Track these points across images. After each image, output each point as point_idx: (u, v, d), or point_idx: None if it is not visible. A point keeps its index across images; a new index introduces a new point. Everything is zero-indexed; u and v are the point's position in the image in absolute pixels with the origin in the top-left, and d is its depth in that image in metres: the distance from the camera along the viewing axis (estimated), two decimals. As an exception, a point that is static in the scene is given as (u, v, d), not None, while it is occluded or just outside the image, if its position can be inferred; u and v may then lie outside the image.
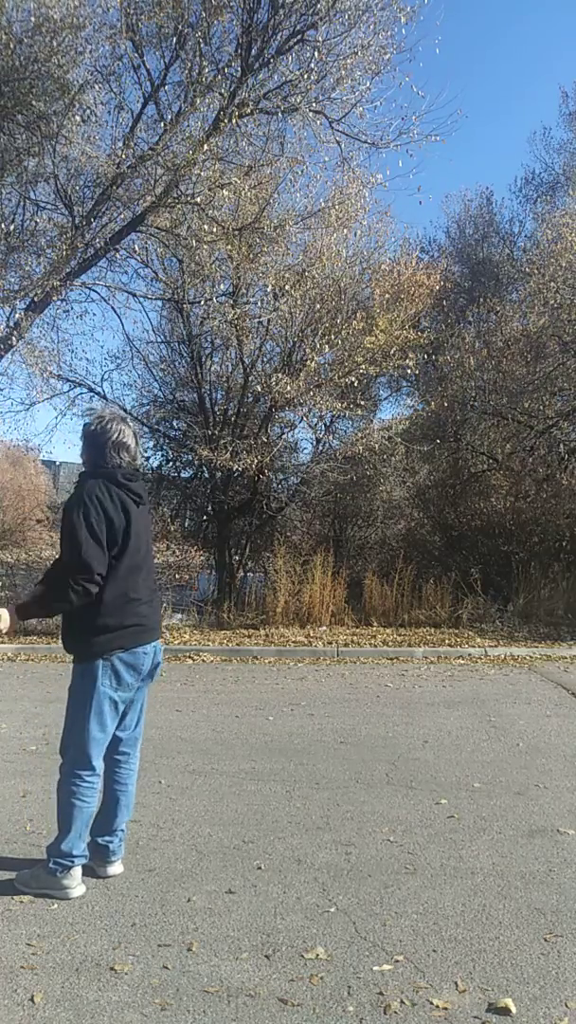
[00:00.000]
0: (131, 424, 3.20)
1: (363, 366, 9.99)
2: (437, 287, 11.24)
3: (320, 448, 12.30)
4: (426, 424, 12.55)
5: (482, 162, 46.37)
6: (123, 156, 8.31)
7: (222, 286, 10.11)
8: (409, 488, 13.20)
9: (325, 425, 12.34)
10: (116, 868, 3.19)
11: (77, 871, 3.01)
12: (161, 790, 4.18)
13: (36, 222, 9.00)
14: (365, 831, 3.67)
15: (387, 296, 10.34)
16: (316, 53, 8.37)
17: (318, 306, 10.17)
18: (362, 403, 10.65)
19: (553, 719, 5.86)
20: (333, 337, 9.92)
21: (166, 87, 8.70)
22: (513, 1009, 2.32)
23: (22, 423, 41.10)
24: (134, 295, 10.48)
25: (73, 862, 2.99)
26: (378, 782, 4.38)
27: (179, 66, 8.51)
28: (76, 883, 3.00)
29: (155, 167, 8.36)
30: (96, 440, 3.08)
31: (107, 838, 3.15)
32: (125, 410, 11.73)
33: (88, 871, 3.11)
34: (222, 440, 10.39)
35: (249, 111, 8.40)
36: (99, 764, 3.02)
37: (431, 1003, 2.35)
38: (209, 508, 11.97)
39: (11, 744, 4.99)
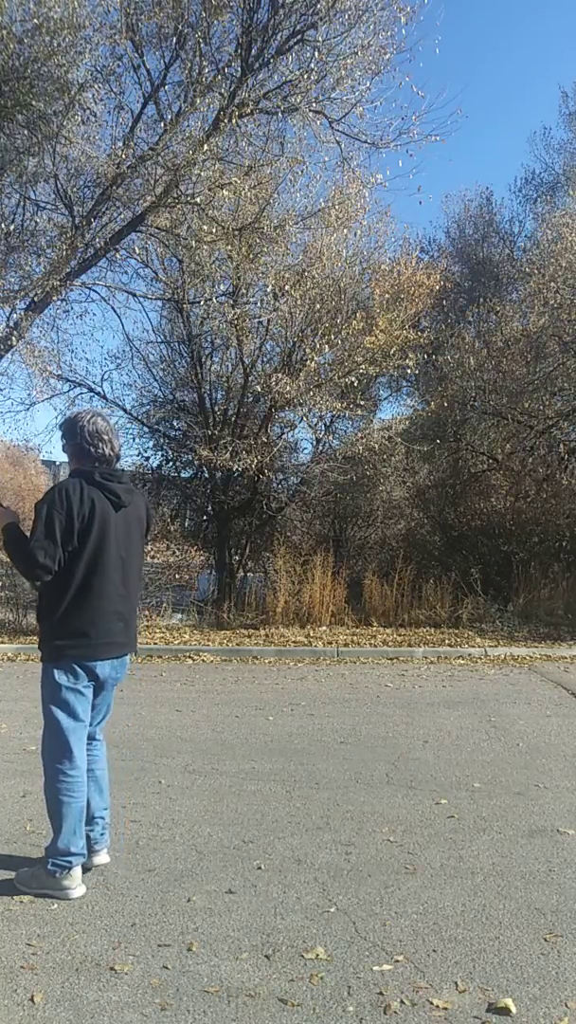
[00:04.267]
0: (103, 414, 3.21)
1: (363, 366, 9.99)
2: (437, 287, 11.24)
3: (320, 448, 12.30)
4: (426, 424, 12.55)
5: (482, 162, 46.49)
6: (123, 156, 8.30)
7: (222, 286, 10.10)
8: (409, 488, 13.21)
9: (325, 425, 12.35)
10: (102, 858, 3.20)
11: (77, 871, 3.01)
12: (161, 790, 4.18)
13: (36, 222, 9.00)
14: (365, 831, 3.67)
15: (387, 296, 10.34)
16: (316, 53, 8.35)
17: (318, 306, 10.17)
18: (362, 403, 10.65)
19: (553, 719, 5.86)
20: (333, 337, 9.92)
21: (166, 87, 8.70)
22: (513, 1009, 2.32)
23: (22, 423, 41.28)
24: (134, 295, 10.49)
25: (71, 861, 2.99)
26: (378, 782, 4.38)
27: (179, 66, 8.51)
28: (76, 883, 3.00)
29: (155, 167, 8.36)
30: (72, 437, 3.11)
31: (87, 827, 3.14)
32: (125, 410, 11.76)
33: None
34: (222, 440, 10.38)
35: (249, 111, 8.40)
36: (80, 755, 3.03)
37: (431, 1003, 2.35)
38: (209, 508, 11.97)
39: (11, 744, 4.99)
